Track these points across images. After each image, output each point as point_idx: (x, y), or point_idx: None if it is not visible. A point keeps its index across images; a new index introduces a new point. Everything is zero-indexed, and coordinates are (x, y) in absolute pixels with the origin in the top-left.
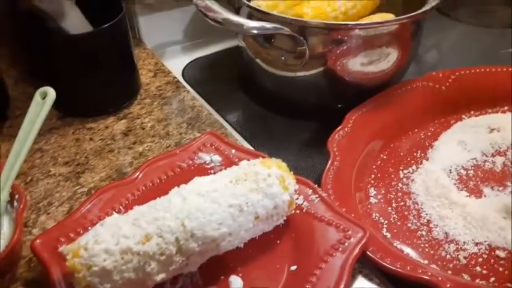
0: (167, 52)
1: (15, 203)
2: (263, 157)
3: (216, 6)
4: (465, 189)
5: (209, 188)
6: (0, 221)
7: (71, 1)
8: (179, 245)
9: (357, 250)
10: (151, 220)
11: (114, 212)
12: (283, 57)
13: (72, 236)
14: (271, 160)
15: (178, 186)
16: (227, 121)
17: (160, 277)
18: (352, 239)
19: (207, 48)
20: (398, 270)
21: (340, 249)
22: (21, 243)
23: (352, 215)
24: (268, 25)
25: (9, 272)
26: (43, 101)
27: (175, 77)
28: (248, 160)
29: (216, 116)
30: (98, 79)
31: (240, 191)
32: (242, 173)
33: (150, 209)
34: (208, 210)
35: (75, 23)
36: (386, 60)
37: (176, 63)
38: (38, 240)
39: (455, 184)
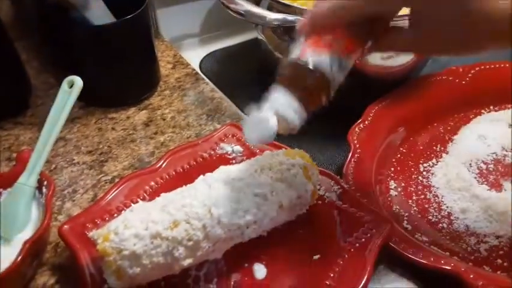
0: (184, 44)
1: (44, 190)
2: (285, 148)
3: None
4: (485, 183)
5: (235, 177)
6: (29, 207)
7: None
8: (206, 231)
9: (379, 241)
10: (179, 207)
11: (139, 200)
12: None
13: (98, 222)
14: (295, 151)
15: (203, 174)
16: (244, 113)
17: (187, 262)
18: (374, 230)
19: (223, 41)
20: (421, 261)
21: (363, 239)
22: (49, 228)
23: (373, 207)
24: (290, 17)
25: (38, 257)
26: (70, 90)
27: (194, 69)
28: (270, 151)
29: (234, 108)
30: (120, 70)
31: (264, 180)
32: (266, 163)
33: (177, 196)
34: (235, 198)
35: (99, 13)
36: (406, 54)
37: (193, 56)
38: (65, 226)
39: (475, 178)
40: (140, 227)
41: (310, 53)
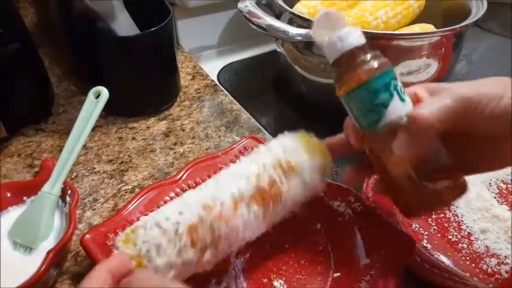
0: (203, 56)
1: (68, 199)
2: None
3: (260, 12)
4: (505, 203)
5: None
6: (53, 216)
7: (121, 3)
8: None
9: (403, 260)
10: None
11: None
12: (322, 65)
13: (119, 232)
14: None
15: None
16: (261, 125)
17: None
18: (398, 249)
19: (241, 53)
20: (443, 281)
21: (386, 258)
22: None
23: (395, 224)
24: None
25: (59, 266)
26: (96, 100)
27: (213, 81)
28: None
29: (253, 120)
30: (142, 80)
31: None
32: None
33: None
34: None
35: (124, 25)
36: (426, 71)
37: (211, 67)
38: (87, 236)
39: (495, 198)
40: (172, 254)
41: None
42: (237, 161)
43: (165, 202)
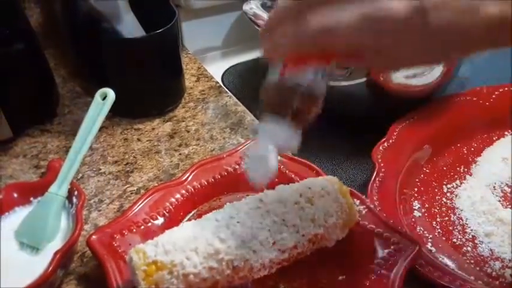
0: (207, 58)
1: (74, 200)
2: (309, 166)
3: (265, 14)
4: (509, 206)
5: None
6: (59, 216)
7: (126, 4)
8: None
9: (407, 263)
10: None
11: (165, 212)
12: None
13: (125, 233)
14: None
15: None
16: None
17: None
18: (403, 252)
19: (245, 55)
20: (448, 285)
21: (390, 261)
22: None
23: (399, 228)
24: None
25: (65, 266)
26: (103, 102)
27: (218, 82)
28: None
29: (257, 122)
30: (148, 82)
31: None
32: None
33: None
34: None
35: (129, 26)
36: (431, 74)
37: (215, 69)
38: (93, 236)
39: (499, 201)
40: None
41: (288, 72)
42: (241, 161)
43: (171, 204)
